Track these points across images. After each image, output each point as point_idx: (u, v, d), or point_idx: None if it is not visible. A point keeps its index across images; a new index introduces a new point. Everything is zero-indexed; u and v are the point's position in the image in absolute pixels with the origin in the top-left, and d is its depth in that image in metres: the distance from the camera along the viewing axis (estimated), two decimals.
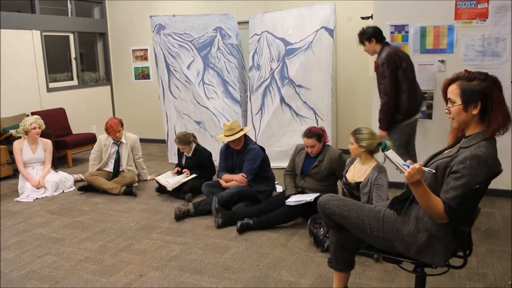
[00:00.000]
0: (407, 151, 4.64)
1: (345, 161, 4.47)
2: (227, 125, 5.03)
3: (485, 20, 4.90)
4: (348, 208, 2.64)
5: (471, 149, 2.24)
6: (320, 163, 4.51)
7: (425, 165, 2.43)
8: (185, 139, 5.72)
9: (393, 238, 2.47)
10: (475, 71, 2.33)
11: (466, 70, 2.35)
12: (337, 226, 2.75)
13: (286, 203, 4.44)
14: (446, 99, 2.39)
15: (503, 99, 2.28)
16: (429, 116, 5.24)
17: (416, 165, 2.20)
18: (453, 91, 2.33)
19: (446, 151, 2.43)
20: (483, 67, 4.88)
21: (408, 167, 2.20)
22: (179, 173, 5.82)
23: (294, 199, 4.43)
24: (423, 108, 5.25)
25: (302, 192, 4.56)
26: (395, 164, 2.29)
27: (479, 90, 2.26)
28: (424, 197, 2.25)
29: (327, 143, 4.64)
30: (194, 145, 5.85)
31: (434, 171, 2.29)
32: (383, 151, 3.54)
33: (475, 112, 2.28)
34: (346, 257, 2.88)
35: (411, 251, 2.43)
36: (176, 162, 6.16)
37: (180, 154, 5.99)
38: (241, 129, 5.07)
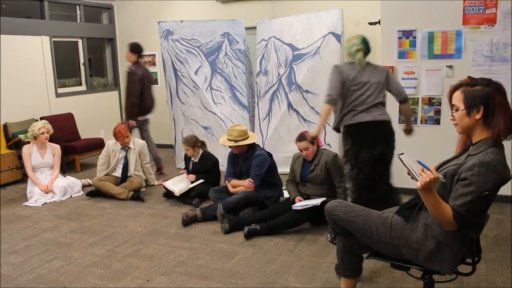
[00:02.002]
0: None
1: (341, 163, 4.48)
2: (236, 129, 5.00)
3: (493, 25, 4.88)
4: (355, 214, 2.63)
5: (479, 156, 2.24)
6: (316, 167, 4.56)
7: None
8: (191, 140, 5.75)
9: (401, 245, 2.46)
10: (479, 78, 2.35)
11: (469, 77, 2.38)
12: (344, 232, 2.74)
13: (293, 208, 4.45)
14: (451, 106, 2.41)
15: (506, 104, 2.28)
16: (437, 121, 5.23)
17: (435, 174, 2.15)
18: (457, 97, 2.35)
19: (455, 159, 2.43)
20: (491, 72, 4.87)
21: (428, 169, 2.17)
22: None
23: (300, 204, 4.43)
24: (431, 114, 5.24)
25: (307, 198, 4.55)
26: (407, 168, 2.26)
27: (482, 95, 2.27)
28: (434, 204, 2.24)
29: (321, 147, 4.69)
30: (201, 151, 5.86)
31: (444, 180, 2.28)
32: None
33: (478, 116, 2.28)
34: (354, 264, 2.87)
35: (420, 258, 2.42)
36: (183, 167, 6.18)
37: (187, 159, 6.00)
38: (247, 138, 5.06)
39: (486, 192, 2.20)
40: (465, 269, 2.53)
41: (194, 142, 5.78)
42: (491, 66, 4.94)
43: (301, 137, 4.56)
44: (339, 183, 4.51)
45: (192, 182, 5.67)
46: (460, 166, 2.28)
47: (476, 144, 2.32)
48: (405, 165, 2.28)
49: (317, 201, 4.33)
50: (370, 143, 4.04)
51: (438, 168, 2.46)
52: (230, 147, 5.11)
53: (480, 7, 4.89)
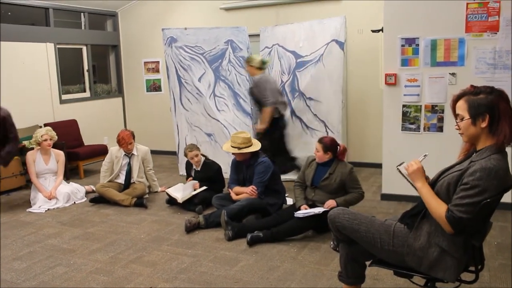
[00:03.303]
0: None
1: (356, 176, 4.55)
2: (240, 137, 5.01)
3: (496, 33, 4.89)
4: (358, 222, 2.63)
5: (482, 161, 2.25)
6: (330, 176, 4.53)
7: (437, 179, 2.45)
8: (195, 146, 5.86)
9: (405, 252, 2.47)
10: (481, 86, 2.37)
11: (472, 85, 2.39)
12: (347, 239, 2.75)
13: (295, 215, 4.45)
14: (455, 115, 2.41)
15: (510, 111, 2.29)
16: (440, 129, 5.23)
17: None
18: (461, 106, 2.36)
19: (457, 165, 2.44)
20: (494, 80, 4.87)
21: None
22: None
23: (302, 212, 4.43)
24: (434, 121, 5.24)
25: (313, 205, 4.55)
26: (406, 178, 2.31)
27: (486, 103, 2.28)
28: (428, 196, 2.34)
29: (340, 160, 4.65)
30: (203, 159, 5.87)
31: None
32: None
33: (483, 125, 2.29)
34: (357, 271, 2.88)
35: (423, 266, 2.43)
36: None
37: (188, 168, 6.01)
38: (251, 145, 5.07)
39: (489, 200, 2.20)
40: (468, 277, 2.53)
41: (196, 148, 5.82)
42: (494, 74, 4.94)
43: (321, 140, 4.63)
44: (356, 188, 4.58)
45: (195, 189, 5.68)
46: (463, 173, 2.29)
47: (480, 151, 2.33)
48: (403, 175, 2.33)
49: (319, 210, 4.33)
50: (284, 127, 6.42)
51: (440, 175, 2.47)
52: (233, 154, 5.12)
53: (483, 15, 4.91)
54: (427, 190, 2.39)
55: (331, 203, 4.41)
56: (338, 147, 4.61)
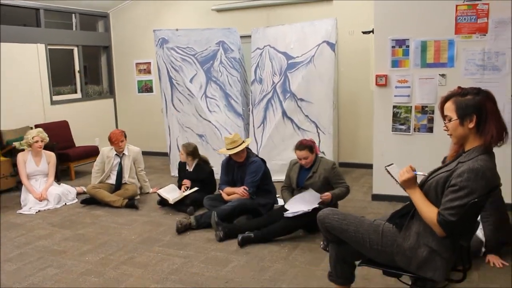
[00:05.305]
0: None
1: (339, 171, 4.60)
2: (229, 138, 5.05)
3: (485, 35, 4.94)
4: (347, 222, 2.66)
5: (469, 162, 2.27)
6: (314, 174, 4.59)
7: (426, 180, 2.47)
8: (189, 147, 5.82)
9: (394, 252, 2.49)
10: (468, 87, 2.40)
11: (459, 87, 2.43)
12: (337, 240, 2.77)
13: (285, 215, 4.46)
14: (444, 117, 2.44)
15: (497, 111, 2.33)
16: (430, 130, 5.26)
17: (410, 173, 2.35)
18: (449, 107, 2.40)
19: (446, 166, 2.46)
20: (483, 81, 4.91)
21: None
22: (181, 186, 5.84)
23: (291, 211, 4.45)
24: (424, 122, 5.28)
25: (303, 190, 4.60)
26: (394, 179, 2.34)
27: (473, 104, 2.32)
28: (420, 201, 2.34)
29: (318, 155, 4.74)
30: (195, 161, 5.87)
31: (426, 174, 2.43)
32: None
33: (471, 125, 2.32)
34: (346, 271, 2.89)
35: (412, 265, 2.45)
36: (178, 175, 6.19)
37: (181, 169, 6.00)
38: (243, 142, 5.09)
39: (476, 200, 2.23)
40: (456, 276, 2.55)
41: (191, 151, 5.80)
42: (483, 75, 4.99)
43: (301, 146, 4.59)
44: (341, 182, 4.62)
45: (187, 189, 5.68)
46: (451, 173, 2.32)
47: (467, 151, 2.36)
48: (392, 176, 2.36)
49: (308, 208, 4.34)
50: None
51: (429, 175, 2.49)
52: (231, 156, 5.11)
53: (472, 16, 4.95)
54: (419, 196, 2.40)
55: (327, 194, 4.45)
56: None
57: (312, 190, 4.47)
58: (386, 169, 2.43)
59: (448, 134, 2.45)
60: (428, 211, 2.33)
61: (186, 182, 5.76)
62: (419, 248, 2.42)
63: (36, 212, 5.72)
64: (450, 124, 2.39)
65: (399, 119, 5.39)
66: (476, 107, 2.31)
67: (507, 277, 3.58)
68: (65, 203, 6.03)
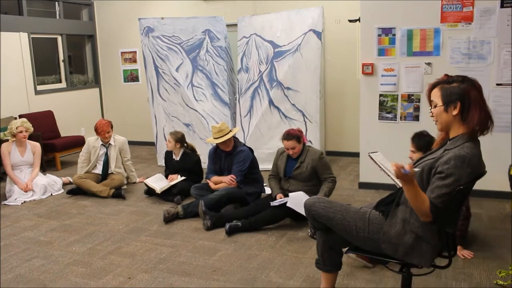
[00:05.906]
0: None
1: (326, 161, 4.63)
2: (216, 127, 5.04)
3: (470, 23, 4.96)
4: (333, 210, 2.67)
5: (455, 150, 2.30)
6: (301, 164, 4.59)
7: (413, 167, 2.48)
8: (177, 135, 5.77)
9: (381, 240, 2.51)
10: (455, 75, 2.44)
11: (446, 75, 2.47)
12: (324, 227, 2.78)
13: (271, 204, 4.48)
14: (430, 103, 2.47)
15: (482, 100, 2.36)
16: (416, 118, 5.30)
17: (399, 164, 2.24)
18: (435, 94, 2.44)
19: (432, 153, 2.48)
20: (469, 69, 4.95)
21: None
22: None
23: (278, 200, 4.47)
24: (410, 110, 5.31)
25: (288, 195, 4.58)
26: (379, 166, 2.34)
27: (458, 91, 2.35)
28: (414, 194, 2.30)
29: (306, 144, 4.74)
30: (182, 150, 5.84)
31: (419, 169, 2.38)
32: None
33: (455, 112, 2.36)
34: (334, 258, 2.91)
35: (399, 252, 2.47)
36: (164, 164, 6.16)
37: (167, 158, 5.98)
38: (230, 131, 5.09)
39: (461, 187, 2.25)
40: (442, 262, 2.58)
41: (179, 138, 5.75)
42: (469, 64, 5.02)
43: (288, 136, 4.57)
44: (328, 176, 4.62)
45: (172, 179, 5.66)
46: (437, 160, 2.34)
47: (453, 139, 2.38)
48: (376, 163, 2.36)
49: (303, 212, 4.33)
50: None
51: (416, 163, 2.51)
52: (218, 144, 5.11)
53: (458, 5, 4.97)
54: (414, 190, 2.30)
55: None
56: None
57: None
58: (369, 155, 2.44)
59: (433, 120, 2.47)
60: (422, 203, 2.29)
61: (173, 176, 5.71)
62: (405, 235, 2.44)
63: (22, 203, 5.67)
64: (435, 110, 2.43)
65: (386, 107, 5.42)
66: (460, 94, 2.34)
67: (492, 263, 3.64)
68: (51, 194, 5.99)
